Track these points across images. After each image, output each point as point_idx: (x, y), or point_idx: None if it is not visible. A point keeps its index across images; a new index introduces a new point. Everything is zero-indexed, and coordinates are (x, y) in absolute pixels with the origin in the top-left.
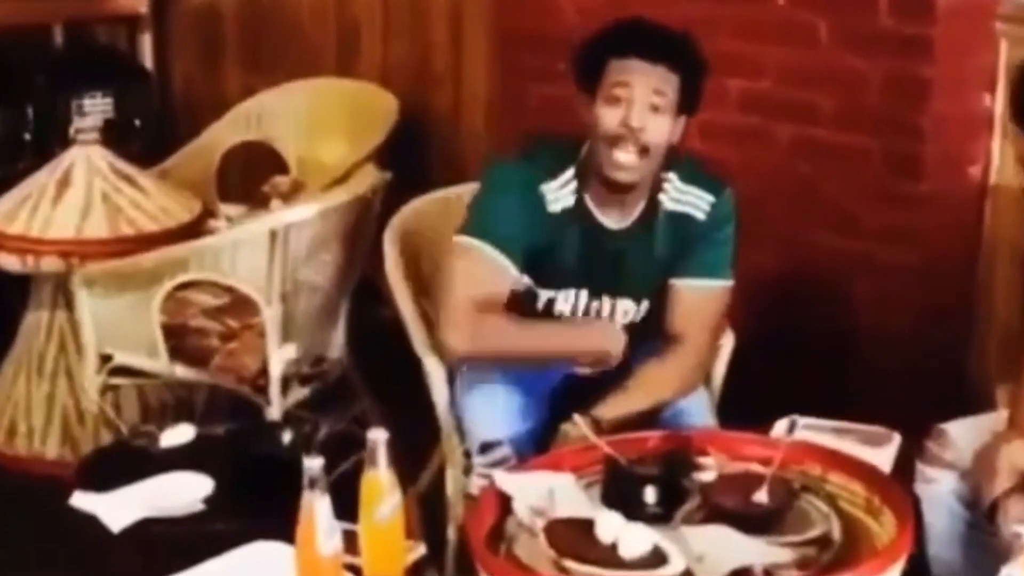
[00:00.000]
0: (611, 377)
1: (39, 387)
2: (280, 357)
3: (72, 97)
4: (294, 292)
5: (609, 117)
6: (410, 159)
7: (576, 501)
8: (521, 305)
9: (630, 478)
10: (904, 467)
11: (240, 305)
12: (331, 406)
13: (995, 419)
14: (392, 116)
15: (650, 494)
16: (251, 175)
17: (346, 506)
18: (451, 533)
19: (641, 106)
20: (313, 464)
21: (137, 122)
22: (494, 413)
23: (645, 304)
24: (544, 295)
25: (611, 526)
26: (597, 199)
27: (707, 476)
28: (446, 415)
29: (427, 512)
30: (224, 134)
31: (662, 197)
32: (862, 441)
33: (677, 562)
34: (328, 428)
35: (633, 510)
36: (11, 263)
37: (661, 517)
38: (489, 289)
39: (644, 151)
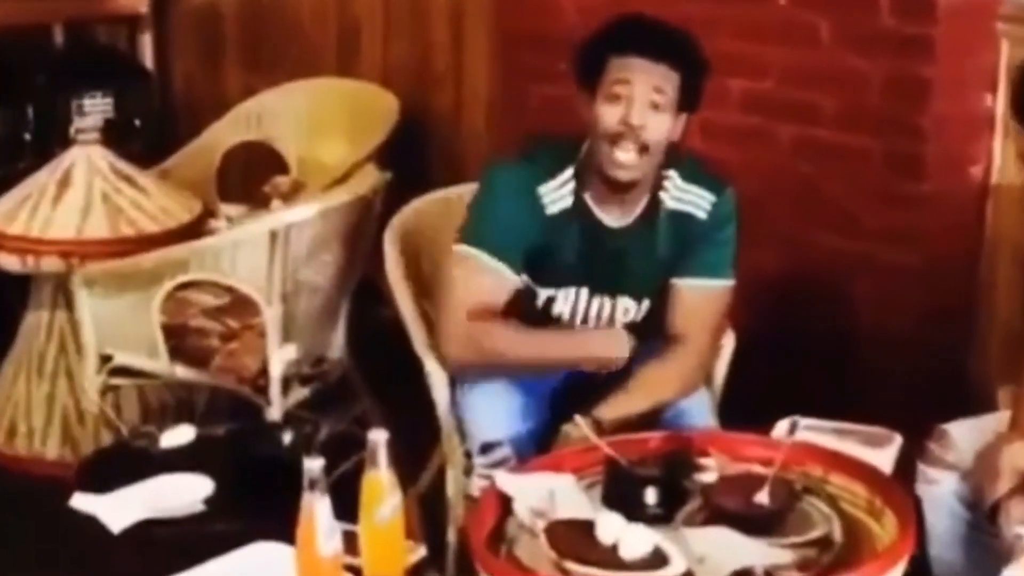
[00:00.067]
0: (612, 378)
1: (39, 387)
2: (280, 357)
3: (72, 97)
4: (294, 292)
5: (609, 115)
6: (411, 159)
7: (577, 502)
8: (520, 303)
9: (631, 479)
10: (905, 468)
11: (240, 305)
12: (331, 407)
13: (997, 420)
14: (393, 116)
15: (651, 495)
16: (251, 175)
17: (346, 507)
18: (451, 534)
19: (641, 104)
20: (313, 465)
21: (137, 122)
22: (495, 413)
23: (646, 303)
24: (543, 294)
25: (612, 527)
26: (597, 197)
27: (708, 477)
28: (446, 415)
29: (427, 513)
30: (224, 134)
31: (663, 196)
32: (863, 442)
33: (678, 563)
34: (328, 429)
35: (634, 511)
36: (11, 263)
37: (662, 518)
38: (487, 298)
39: (644, 149)
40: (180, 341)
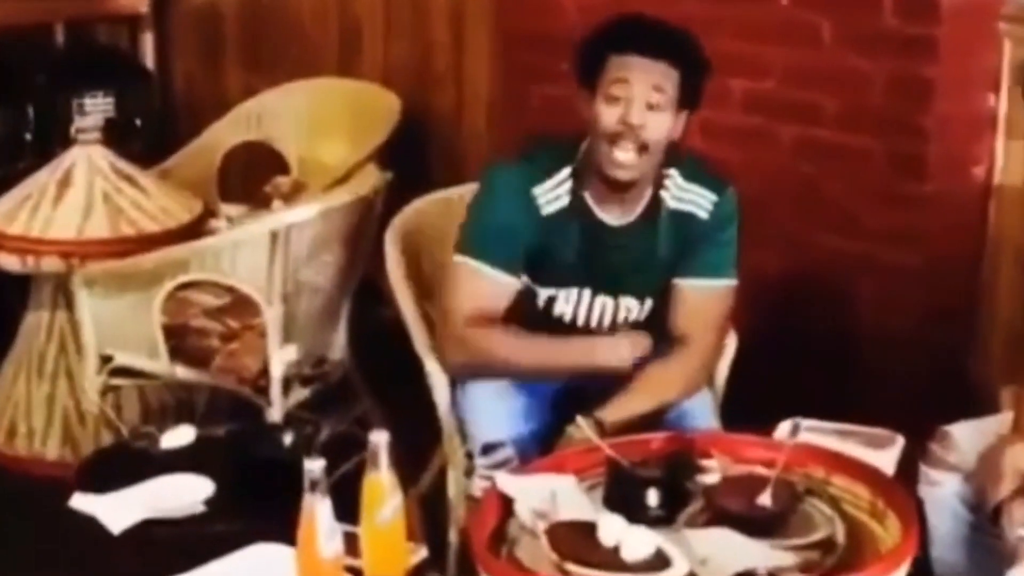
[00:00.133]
0: (616, 379)
1: (39, 388)
2: (281, 358)
3: (73, 97)
4: (295, 293)
5: (608, 114)
6: (411, 159)
7: (578, 504)
8: (522, 305)
9: (633, 480)
10: (907, 469)
11: (241, 305)
12: (332, 407)
13: (999, 421)
14: (394, 116)
15: (653, 497)
16: (252, 175)
17: (347, 508)
18: (453, 535)
19: (640, 103)
20: (314, 466)
21: (138, 122)
22: (496, 414)
23: (649, 303)
24: (544, 294)
25: (614, 529)
26: (597, 196)
27: (710, 479)
28: (448, 416)
29: (428, 514)
30: (225, 134)
31: (664, 195)
32: (865, 443)
33: (680, 565)
34: (329, 429)
35: (636, 513)
36: (11, 263)
37: (664, 520)
38: (486, 303)
39: (643, 148)
40: (180, 341)
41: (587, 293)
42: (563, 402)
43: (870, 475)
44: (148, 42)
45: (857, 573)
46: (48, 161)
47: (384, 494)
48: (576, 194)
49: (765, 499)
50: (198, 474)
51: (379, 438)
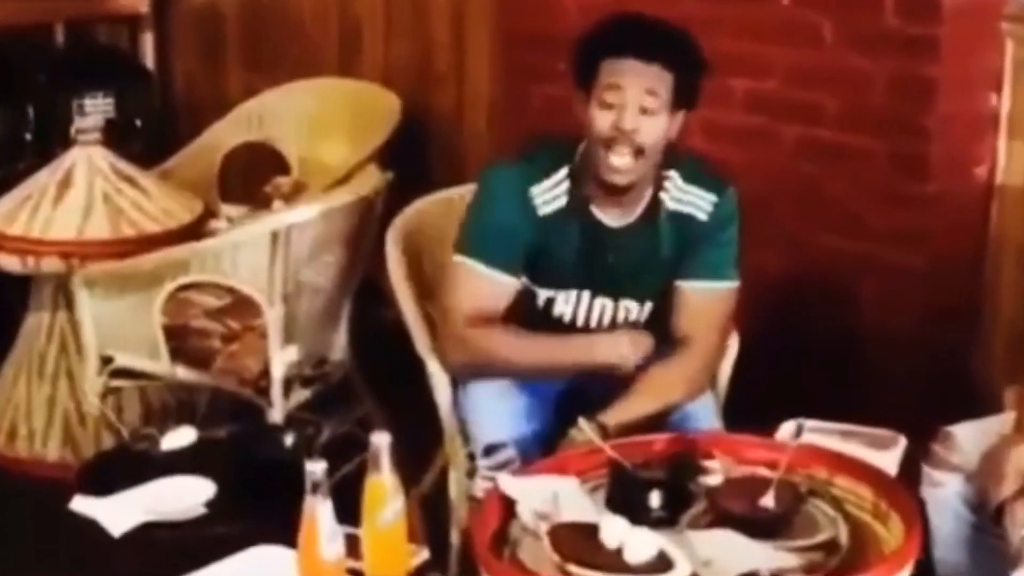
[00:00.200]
0: (619, 381)
1: (40, 389)
2: (282, 359)
3: (73, 97)
4: (296, 293)
5: (602, 120)
6: (412, 159)
7: (581, 505)
8: (521, 304)
9: (635, 482)
10: (910, 470)
11: (242, 306)
12: (333, 408)
13: (1002, 422)
14: (394, 116)
15: (655, 498)
16: (253, 175)
17: (348, 509)
18: (454, 536)
19: (633, 109)
20: (315, 468)
21: (138, 122)
22: (498, 415)
23: (649, 305)
24: (543, 294)
25: (616, 531)
26: (596, 198)
27: (713, 480)
28: (449, 417)
29: (429, 515)
30: (226, 134)
31: (664, 196)
32: (868, 444)
33: (683, 567)
34: (330, 430)
35: (638, 514)
36: (11, 264)
37: (666, 521)
38: (485, 303)
39: (639, 152)
40: (181, 342)
41: (586, 295)
42: (565, 403)
43: (873, 476)
44: (148, 42)
45: (860, 574)
46: (48, 162)
47: (386, 496)
48: (574, 194)
49: (768, 500)
50: (199, 476)
51: (381, 440)
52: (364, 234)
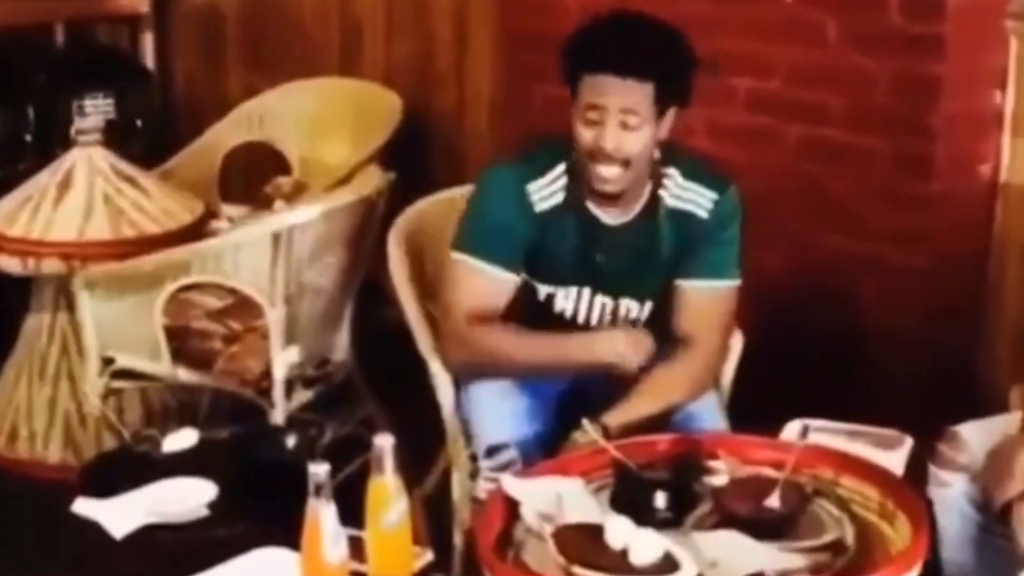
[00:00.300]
0: (621, 381)
1: (41, 390)
2: (284, 360)
3: (73, 97)
4: (298, 294)
5: (585, 136)
6: (413, 159)
7: (585, 506)
8: (523, 301)
9: (640, 483)
10: (915, 470)
11: (243, 307)
12: (335, 409)
13: (1007, 421)
14: (396, 116)
15: (660, 499)
16: (254, 176)
17: (351, 510)
18: (457, 537)
19: (613, 127)
20: (319, 470)
21: (139, 122)
22: (501, 416)
23: (649, 304)
24: (543, 291)
25: (621, 532)
26: (592, 195)
27: (718, 480)
28: (452, 418)
29: (432, 515)
30: (226, 134)
31: (663, 193)
32: (873, 444)
33: (689, 568)
34: (333, 431)
35: (643, 515)
36: (12, 265)
37: (671, 522)
38: (485, 301)
39: (625, 164)
40: (183, 343)
41: (586, 292)
42: (567, 404)
43: (879, 476)
44: (148, 42)
45: (867, 575)
46: (48, 162)
47: (389, 498)
48: (571, 191)
49: (774, 501)
50: (201, 478)
51: (384, 442)
52: (366, 234)
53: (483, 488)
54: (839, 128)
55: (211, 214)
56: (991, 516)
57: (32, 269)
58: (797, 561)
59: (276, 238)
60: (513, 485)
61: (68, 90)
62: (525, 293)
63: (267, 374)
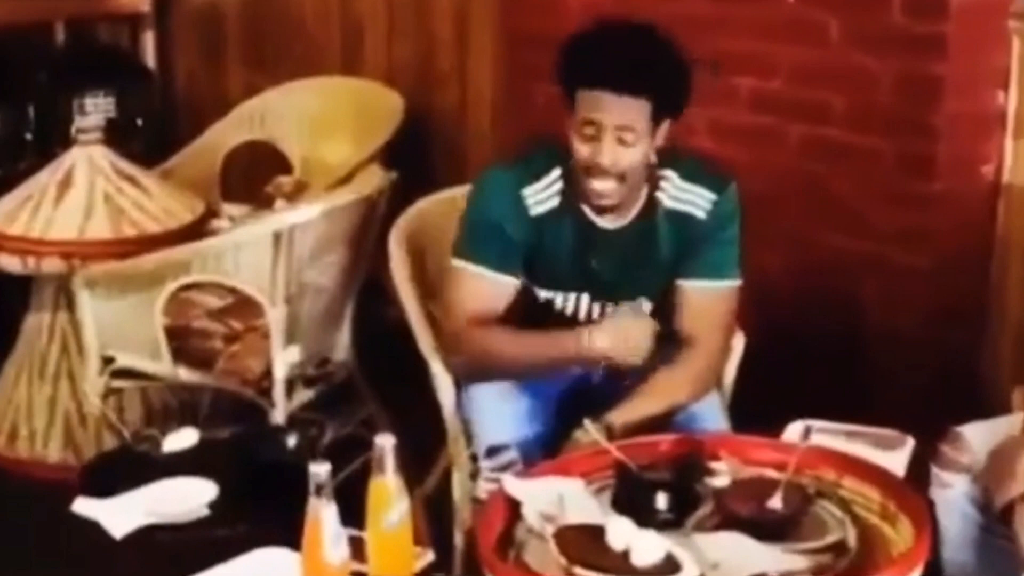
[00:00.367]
0: (621, 381)
1: (41, 390)
2: (284, 359)
3: (74, 96)
4: (299, 293)
5: (581, 150)
6: (415, 159)
7: (586, 507)
8: (523, 302)
9: (641, 484)
10: (917, 471)
11: (244, 306)
12: (336, 409)
13: (1010, 422)
14: (397, 115)
15: (662, 500)
16: (254, 175)
17: (352, 510)
18: (457, 537)
19: (610, 143)
20: (319, 471)
21: (139, 121)
22: (501, 417)
23: (649, 306)
24: (542, 294)
25: (623, 533)
26: (589, 202)
27: (720, 481)
28: (453, 418)
29: (433, 515)
30: (227, 134)
31: (660, 195)
32: (875, 445)
33: (691, 570)
34: (333, 431)
35: (644, 516)
36: (12, 264)
37: (673, 523)
38: (485, 304)
39: (621, 178)
40: (183, 343)
41: (585, 296)
42: (567, 405)
43: (881, 477)
44: (149, 41)
45: None
46: (49, 161)
47: (391, 498)
48: (567, 195)
49: (776, 502)
50: (201, 477)
51: (385, 442)
52: (367, 234)
53: (484, 488)
54: (841, 128)
55: (212, 213)
56: (992, 517)
57: (32, 268)
58: (799, 562)
59: (277, 237)
60: (514, 485)
61: (69, 89)
62: (525, 297)
63: (268, 374)
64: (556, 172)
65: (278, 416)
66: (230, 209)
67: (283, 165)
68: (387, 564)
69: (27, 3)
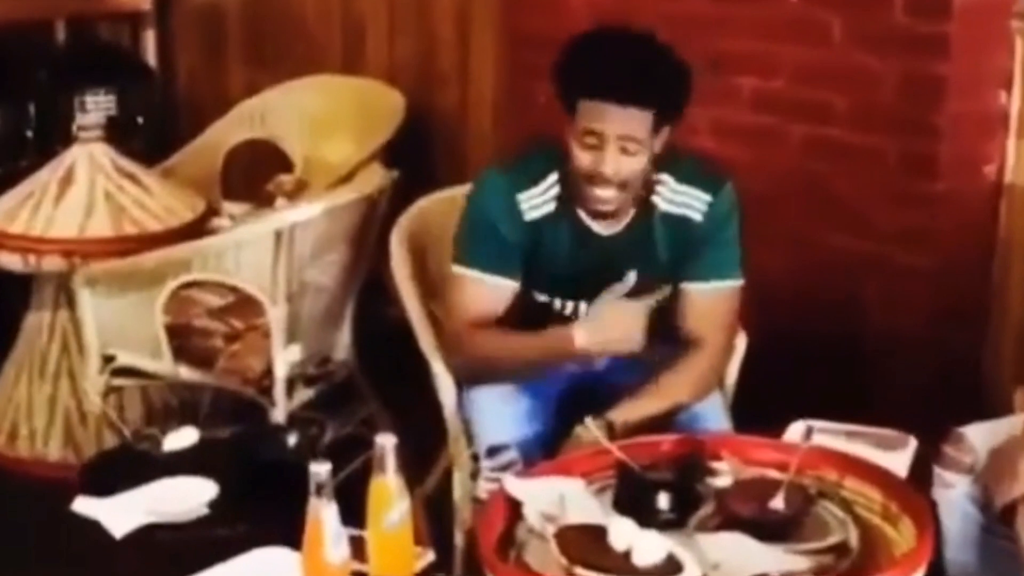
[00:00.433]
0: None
1: (41, 388)
2: (285, 358)
3: (75, 94)
4: (299, 292)
5: (582, 158)
6: (416, 158)
7: (587, 507)
8: (523, 304)
9: (643, 484)
10: (920, 471)
11: (245, 305)
12: (337, 408)
13: (1013, 423)
14: (398, 114)
15: (663, 500)
16: (255, 173)
17: (353, 510)
18: (458, 537)
19: (613, 153)
20: (320, 470)
21: (140, 119)
22: (501, 417)
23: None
24: (540, 298)
25: (624, 533)
26: (585, 208)
27: (722, 481)
28: (453, 417)
29: (433, 515)
30: (228, 132)
31: (656, 199)
32: (877, 445)
33: (692, 570)
34: (334, 430)
35: (646, 516)
36: (13, 262)
37: (675, 524)
38: (485, 307)
39: (623, 186)
40: (184, 341)
41: (583, 305)
42: (567, 405)
43: (883, 478)
44: (150, 39)
45: None
46: (49, 159)
47: (391, 498)
48: (563, 200)
49: (777, 503)
50: (201, 476)
51: (386, 441)
52: (368, 233)
53: (484, 488)
54: (844, 128)
55: (213, 212)
56: (994, 517)
57: (33, 266)
58: (801, 563)
59: (278, 236)
60: (515, 485)
61: (69, 87)
62: (524, 299)
63: (268, 373)
64: (553, 177)
65: (278, 415)
66: (231, 207)
67: (284, 164)
68: (388, 564)
69: (28, 1)
